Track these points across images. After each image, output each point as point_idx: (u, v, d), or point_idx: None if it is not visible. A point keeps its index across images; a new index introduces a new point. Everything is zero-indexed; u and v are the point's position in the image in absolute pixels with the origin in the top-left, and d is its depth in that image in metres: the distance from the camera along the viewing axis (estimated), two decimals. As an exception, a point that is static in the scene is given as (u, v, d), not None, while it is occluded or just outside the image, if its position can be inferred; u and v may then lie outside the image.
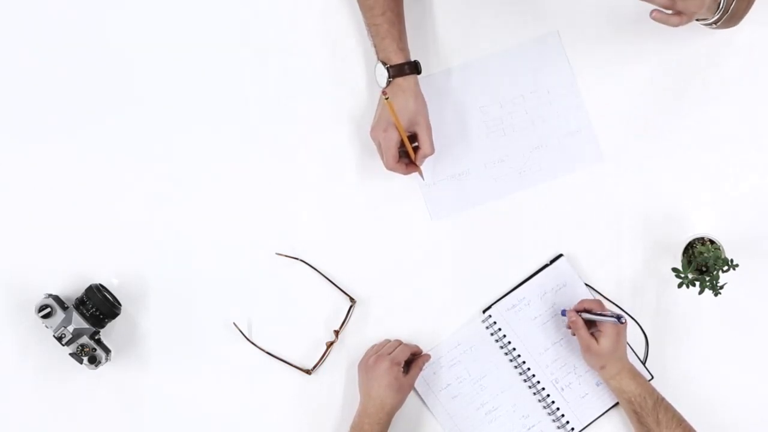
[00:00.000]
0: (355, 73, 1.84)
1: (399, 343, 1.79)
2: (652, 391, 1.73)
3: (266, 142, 1.84)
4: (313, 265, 1.82)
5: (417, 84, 1.74)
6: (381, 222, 1.84)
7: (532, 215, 1.83)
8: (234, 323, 1.81)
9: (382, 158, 1.75)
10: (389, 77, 1.72)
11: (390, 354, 1.75)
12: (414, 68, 1.74)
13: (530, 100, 1.84)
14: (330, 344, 1.81)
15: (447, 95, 1.83)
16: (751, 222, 1.82)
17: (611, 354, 1.72)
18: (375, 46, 1.75)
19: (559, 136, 1.84)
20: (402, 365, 1.75)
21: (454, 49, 1.84)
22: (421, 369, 1.79)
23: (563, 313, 1.78)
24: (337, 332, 1.81)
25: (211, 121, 1.85)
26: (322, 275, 1.81)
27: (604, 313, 1.73)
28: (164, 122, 1.84)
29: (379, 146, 1.75)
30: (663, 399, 1.72)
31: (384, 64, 1.73)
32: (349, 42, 1.84)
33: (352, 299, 1.81)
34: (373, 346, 1.80)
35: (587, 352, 1.73)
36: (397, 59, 1.73)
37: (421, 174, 1.80)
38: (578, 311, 1.75)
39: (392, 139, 1.73)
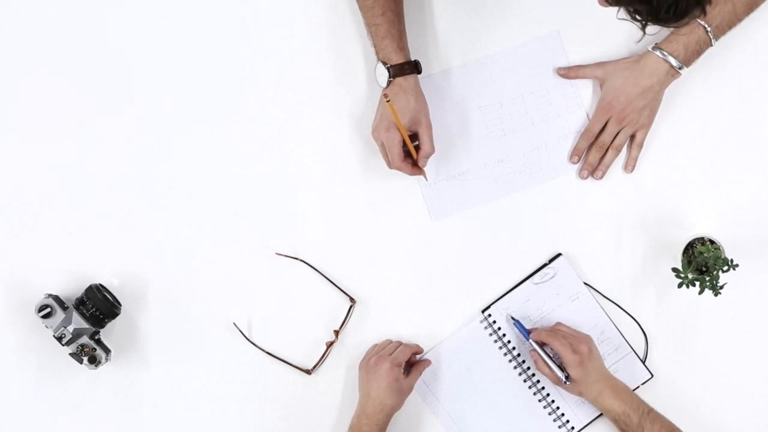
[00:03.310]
0: (355, 73, 1.84)
1: (400, 343, 1.79)
2: (637, 406, 1.71)
3: (266, 142, 1.84)
4: (313, 265, 1.82)
5: (417, 83, 1.74)
6: (381, 222, 1.84)
7: (532, 215, 1.83)
8: (234, 323, 1.81)
9: (385, 158, 1.76)
10: (390, 77, 1.72)
11: (391, 355, 1.75)
12: (414, 68, 1.74)
13: (530, 100, 1.84)
14: (330, 344, 1.81)
15: (447, 95, 1.83)
16: (751, 222, 1.82)
17: (583, 382, 1.72)
18: (375, 46, 1.75)
19: (559, 136, 1.84)
20: (402, 367, 1.75)
21: (454, 49, 1.84)
22: (421, 373, 1.78)
23: (526, 336, 1.78)
24: (337, 332, 1.81)
25: (211, 121, 1.85)
26: (322, 275, 1.81)
27: (554, 362, 1.75)
28: (164, 122, 1.84)
29: (382, 146, 1.75)
30: (650, 411, 1.70)
31: (384, 64, 1.73)
32: (349, 42, 1.84)
33: (352, 299, 1.81)
34: (374, 346, 1.80)
35: (563, 387, 1.75)
36: (397, 59, 1.73)
37: (424, 175, 1.79)
38: (534, 341, 1.77)
39: (395, 139, 1.73)
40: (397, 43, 1.73)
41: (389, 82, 1.73)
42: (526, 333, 1.78)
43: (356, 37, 1.84)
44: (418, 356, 1.81)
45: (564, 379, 1.73)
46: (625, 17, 1.42)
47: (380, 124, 1.74)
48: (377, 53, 1.75)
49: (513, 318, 1.80)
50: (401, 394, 1.74)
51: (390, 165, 1.76)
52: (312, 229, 1.83)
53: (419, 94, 1.74)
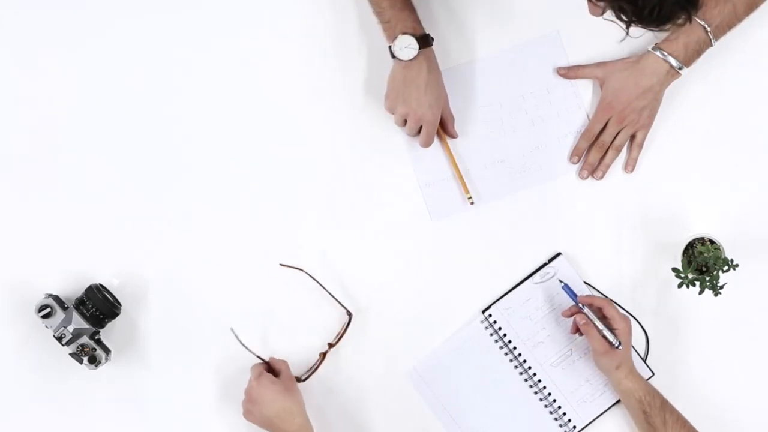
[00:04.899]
0: (354, 81, 1.84)
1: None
2: (658, 391, 1.73)
3: (267, 144, 1.84)
4: (312, 275, 1.79)
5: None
6: (381, 222, 1.84)
7: (532, 215, 1.83)
8: (231, 329, 1.79)
9: (424, 137, 1.77)
10: (419, 47, 1.69)
11: (248, 385, 1.73)
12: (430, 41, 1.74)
13: (530, 100, 1.84)
14: (323, 355, 1.79)
15: (447, 95, 1.83)
16: (751, 222, 1.82)
17: (628, 352, 1.73)
18: (390, 21, 1.71)
19: (559, 136, 1.84)
20: (264, 374, 1.72)
21: (453, 50, 1.84)
22: (284, 363, 1.76)
23: (575, 299, 1.76)
24: (331, 345, 1.79)
25: (212, 121, 1.84)
26: (321, 286, 1.79)
27: (608, 327, 1.73)
28: (165, 123, 1.84)
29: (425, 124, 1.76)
30: (667, 400, 1.72)
31: (411, 35, 1.69)
32: (347, 49, 1.84)
33: (349, 312, 1.79)
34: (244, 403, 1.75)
35: (604, 354, 1.72)
36: (420, 30, 1.71)
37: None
38: (584, 304, 1.74)
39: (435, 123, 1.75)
40: (415, 15, 1.72)
41: (416, 54, 1.70)
42: (575, 297, 1.76)
43: (355, 45, 1.84)
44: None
45: (617, 344, 1.71)
46: (612, 18, 1.43)
47: (399, 101, 1.74)
48: (395, 27, 1.70)
49: (561, 281, 1.79)
50: (289, 390, 1.71)
51: (427, 143, 1.79)
52: (312, 230, 1.83)
53: (438, 67, 1.75)
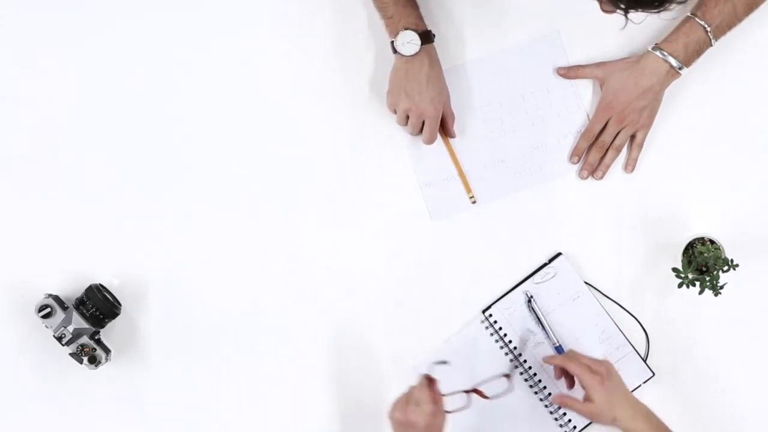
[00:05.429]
0: (354, 81, 1.84)
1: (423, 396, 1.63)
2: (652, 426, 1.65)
3: (266, 144, 1.84)
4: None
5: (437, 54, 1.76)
6: (381, 222, 1.84)
7: (532, 215, 1.83)
8: (434, 363, 1.68)
9: (428, 132, 1.79)
10: (421, 43, 1.71)
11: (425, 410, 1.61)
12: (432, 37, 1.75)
13: (530, 100, 1.84)
14: (468, 396, 1.67)
15: (449, 93, 1.82)
16: (751, 222, 1.82)
17: (612, 403, 1.65)
18: (393, 17, 1.73)
19: (559, 136, 1.84)
20: (446, 415, 1.64)
21: (453, 50, 1.84)
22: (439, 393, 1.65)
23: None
24: (480, 394, 1.70)
25: (212, 122, 1.84)
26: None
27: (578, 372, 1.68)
28: (165, 124, 1.84)
29: (427, 119, 1.77)
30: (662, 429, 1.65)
31: (413, 30, 1.70)
32: (347, 49, 1.84)
33: (507, 375, 1.69)
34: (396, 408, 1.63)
35: (593, 418, 1.67)
36: (423, 26, 1.72)
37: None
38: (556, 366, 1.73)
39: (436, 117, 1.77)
40: (418, 12, 1.73)
41: (418, 50, 1.71)
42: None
43: (356, 44, 1.84)
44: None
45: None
46: (609, 7, 1.42)
47: (403, 97, 1.75)
48: (398, 23, 1.72)
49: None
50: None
51: (430, 140, 1.80)
52: (312, 230, 1.83)
53: (439, 63, 1.77)
